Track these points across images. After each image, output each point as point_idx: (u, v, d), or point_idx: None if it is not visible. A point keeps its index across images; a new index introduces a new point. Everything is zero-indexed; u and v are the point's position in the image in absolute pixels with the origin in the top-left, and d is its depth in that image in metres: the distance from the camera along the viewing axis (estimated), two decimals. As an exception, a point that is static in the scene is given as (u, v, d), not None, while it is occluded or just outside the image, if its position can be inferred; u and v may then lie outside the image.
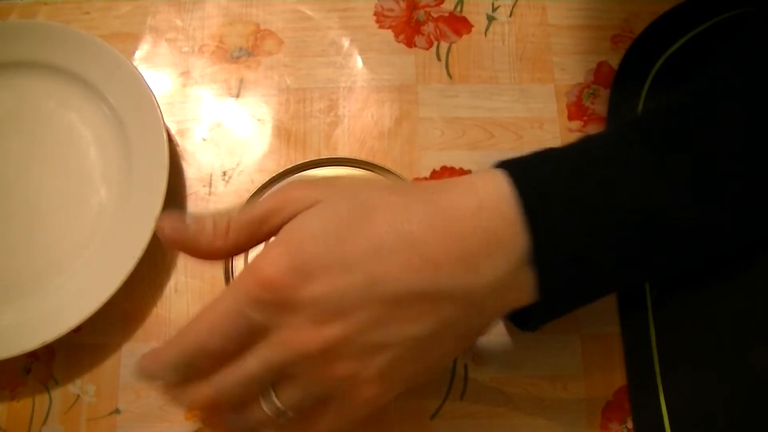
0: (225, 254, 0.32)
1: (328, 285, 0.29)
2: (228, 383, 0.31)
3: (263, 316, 0.29)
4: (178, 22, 0.52)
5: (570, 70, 0.51)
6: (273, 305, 0.29)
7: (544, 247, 0.30)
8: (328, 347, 0.29)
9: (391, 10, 0.53)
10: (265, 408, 0.31)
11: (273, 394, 0.31)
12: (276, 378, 0.31)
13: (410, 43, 0.52)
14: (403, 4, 0.53)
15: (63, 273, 0.45)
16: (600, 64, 0.51)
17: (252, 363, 0.30)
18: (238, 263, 0.38)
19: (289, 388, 0.31)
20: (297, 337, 0.29)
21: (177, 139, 0.50)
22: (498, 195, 0.30)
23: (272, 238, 0.32)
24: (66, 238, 0.46)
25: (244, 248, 0.33)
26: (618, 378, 0.44)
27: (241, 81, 0.51)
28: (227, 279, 0.38)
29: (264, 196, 0.32)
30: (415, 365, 0.32)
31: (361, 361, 0.30)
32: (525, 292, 0.31)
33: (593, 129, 0.50)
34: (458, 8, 0.53)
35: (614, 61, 0.51)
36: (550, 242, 0.30)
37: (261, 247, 0.34)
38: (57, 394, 0.44)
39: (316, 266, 0.29)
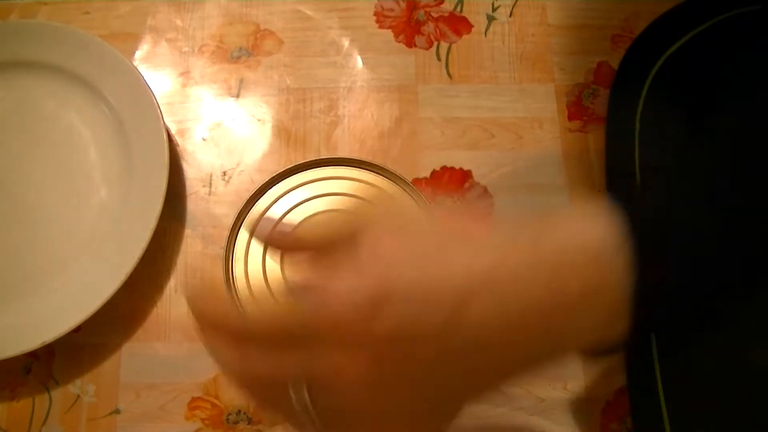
0: None
1: (404, 318, 0.26)
2: (258, 369, 0.28)
3: (319, 338, 0.26)
4: (178, 22, 0.52)
5: (570, 70, 0.51)
6: (337, 331, 0.26)
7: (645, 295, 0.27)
8: (379, 381, 0.27)
9: (391, 10, 0.53)
10: (293, 399, 0.28)
11: (306, 394, 0.28)
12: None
13: (410, 43, 0.52)
14: (403, 4, 0.53)
15: (63, 273, 0.45)
16: (600, 64, 0.51)
17: (290, 367, 0.27)
18: (238, 266, 0.38)
19: (323, 396, 0.28)
20: (347, 366, 0.26)
21: (177, 139, 0.50)
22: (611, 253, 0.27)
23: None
24: (66, 238, 0.46)
25: None
26: (618, 378, 0.44)
27: (241, 81, 0.51)
28: (227, 280, 0.38)
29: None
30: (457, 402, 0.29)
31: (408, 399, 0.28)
32: (611, 331, 0.29)
33: (593, 129, 0.50)
34: (458, 8, 0.53)
35: (614, 61, 0.51)
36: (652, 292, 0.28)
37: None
38: (57, 394, 0.44)
39: (400, 294, 0.26)
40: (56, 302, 0.44)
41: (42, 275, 0.45)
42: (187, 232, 0.47)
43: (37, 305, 0.45)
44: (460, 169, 0.48)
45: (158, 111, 0.46)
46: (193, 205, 0.48)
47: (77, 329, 0.43)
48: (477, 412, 0.44)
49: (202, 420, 0.44)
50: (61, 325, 0.43)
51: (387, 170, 0.40)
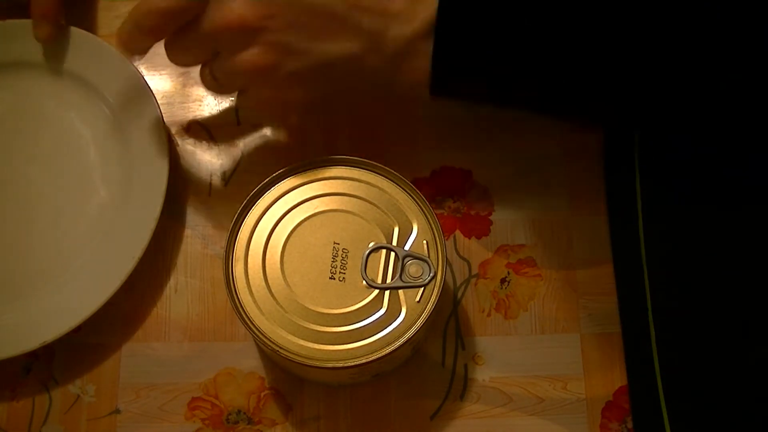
0: None
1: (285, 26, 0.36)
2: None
3: None
4: (178, 22, 0.52)
5: (570, 70, 0.51)
6: None
7: (445, 18, 0.36)
8: (252, 30, 0.36)
9: (391, 9, 0.53)
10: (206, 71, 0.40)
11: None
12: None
13: (410, 43, 0.52)
14: (403, 4, 0.53)
15: (63, 273, 0.45)
16: (600, 64, 0.51)
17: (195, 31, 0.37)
18: (238, 266, 0.38)
19: (219, 60, 0.39)
20: (226, 15, 0.36)
21: (177, 139, 0.50)
22: None
23: None
24: (66, 238, 0.46)
25: None
26: (618, 378, 0.44)
27: (241, 81, 0.51)
28: (228, 280, 0.38)
29: None
30: (317, 82, 0.39)
31: (276, 54, 0.37)
32: (421, 62, 0.38)
33: (593, 128, 0.50)
34: (458, 8, 0.52)
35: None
36: (451, 16, 0.36)
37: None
38: (57, 394, 0.44)
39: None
40: (56, 302, 0.44)
41: (42, 275, 0.45)
42: (187, 232, 0.47)
43: (37, 305, 0.45)
44: (460, 169, 0.48)
45: (158, 111, 0.46)
46: (193, 205, 0.48)
47: (77, 329, 0.43)
48: (477, 411, 0.44)
49: (202, 420, 0.44)
50: (61, 325, 0.43)
51: (387, 170, 0.40)
